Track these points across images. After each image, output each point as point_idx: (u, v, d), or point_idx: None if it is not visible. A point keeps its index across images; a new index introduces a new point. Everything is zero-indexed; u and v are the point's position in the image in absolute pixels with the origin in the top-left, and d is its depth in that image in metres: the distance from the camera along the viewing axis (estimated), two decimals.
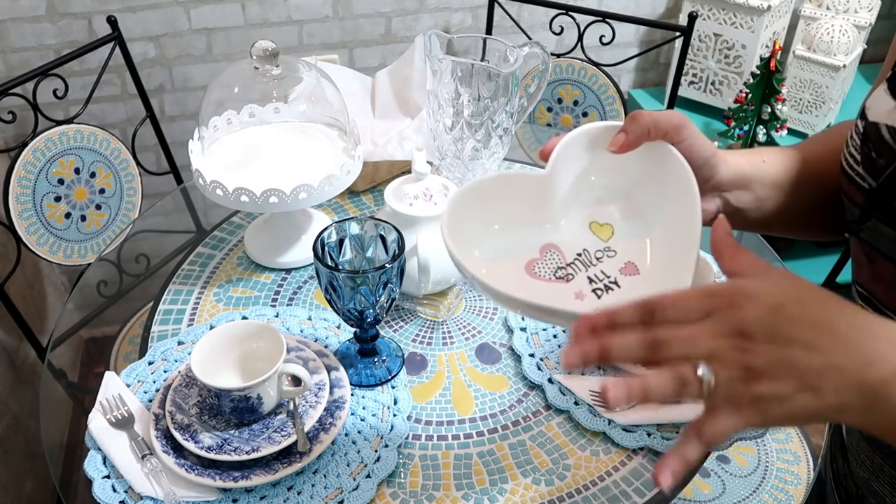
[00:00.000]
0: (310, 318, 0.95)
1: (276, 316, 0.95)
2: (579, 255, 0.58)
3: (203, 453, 0.74)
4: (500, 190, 0.58)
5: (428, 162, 0.93)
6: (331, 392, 0.81)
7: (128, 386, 0.85)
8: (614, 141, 0.57)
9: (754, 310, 0.41)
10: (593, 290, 0.56)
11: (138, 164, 1.52)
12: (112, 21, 1.45)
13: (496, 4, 1.68)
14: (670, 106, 1.62)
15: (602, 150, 0.58)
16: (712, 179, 0.60)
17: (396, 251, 0.77)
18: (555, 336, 0.92)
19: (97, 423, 0.80)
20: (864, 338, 0.40)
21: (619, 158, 0.57)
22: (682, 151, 0.56)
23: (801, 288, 0.42)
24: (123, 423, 0.80)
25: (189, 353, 0.83)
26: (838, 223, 0.65)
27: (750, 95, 1.64)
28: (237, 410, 0.76)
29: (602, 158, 0.59)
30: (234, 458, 0.74)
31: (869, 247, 0.55)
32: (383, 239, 0.80)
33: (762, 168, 0.63)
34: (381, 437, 0.80)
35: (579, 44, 1.61)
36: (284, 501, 0.74)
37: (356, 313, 0.79)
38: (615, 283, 0.56)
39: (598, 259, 0.58)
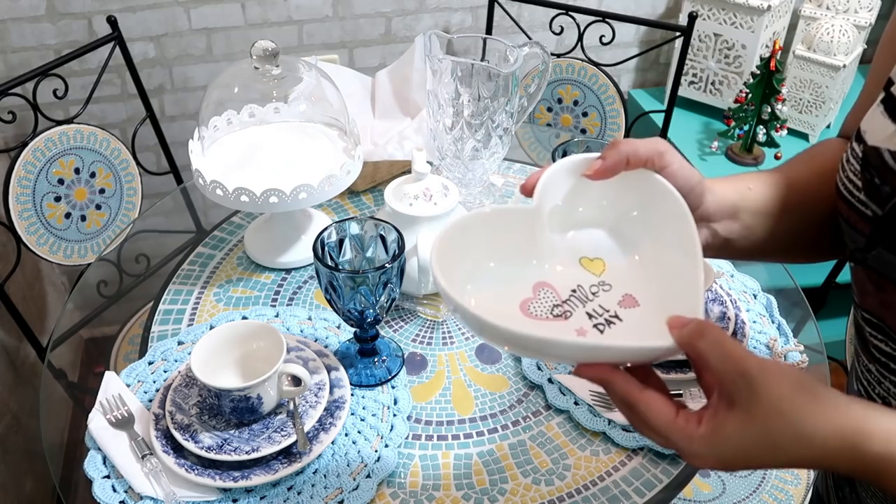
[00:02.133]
0: (310, 318, 0.95)
1: (276, 316, 0.95)
2: (574, 291, 0.56)
3: (203, 453, 0.74)
4: (488, 226, 0.56)
5: (428, 162, 0.93)
6: (331, 392, 0.81)
7: (128, 386, 0.85)
8: (591, 166, 0.56)
9: (702, 464, 0.48)
10: (595, 326, 0.54)
11: (138, 164, 1.52)
12: (112, 21, 1.45)
13: (496, 4, 1.68)
14: (670, 106, 1.62)
15: (587, 182, 0.57)
16: (699, 209, 0.59)
17: (396, 251, 0.77)
18: None
19: (97, 423, 0.80)
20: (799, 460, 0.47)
21: (604, 190, 0.57)
22: (666, 178, 0.56)
23: (747, 447, 0.46)
24: (123, 423, 0.80)
25: (189, 353, 0.83)
26: (826, 246, 0.65)
27: (750, 95, 1.63)
28: (237, 410, 0.76)
29: (587, 191, 0.58)
30: (234, 458, 0.74)
31: (877, 274, 0.54)
32: (383, 239, 0.80)
33: (749, 195, 0.62)
34: (381, 437, 0.80)
35: (579, 44, 1.61)
36: (284, 501, 0.74)
37: (356, 313, 0.79)
38: (616, 316, 0.54)
39: (594, 294, 0.56)
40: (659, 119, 1.71)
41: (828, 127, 1.84)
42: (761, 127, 1.66)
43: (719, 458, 0.46)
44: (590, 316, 0.55)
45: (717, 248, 0.62)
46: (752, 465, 0.47)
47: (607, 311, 0.55)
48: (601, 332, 0.54)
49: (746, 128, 1.69)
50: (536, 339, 0.48)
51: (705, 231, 0.61)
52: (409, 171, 0.92)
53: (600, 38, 1.58)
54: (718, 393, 0.47)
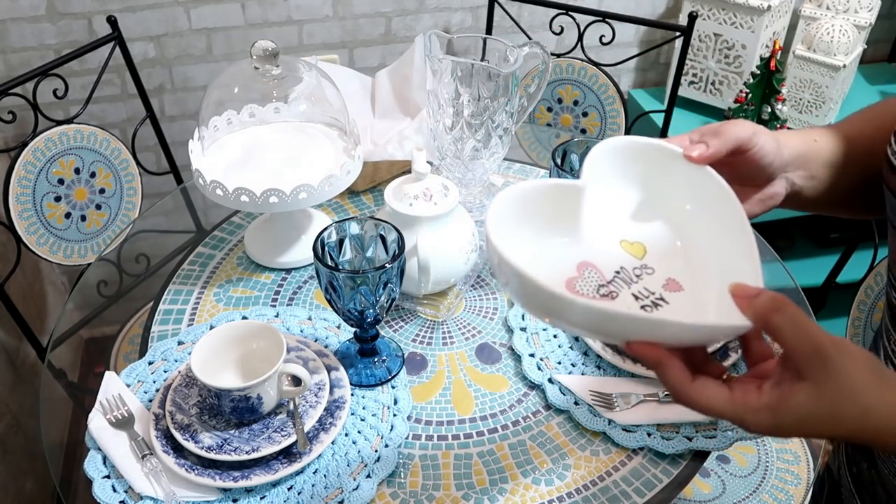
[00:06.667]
0: (310, 318, 0.95)
1: (276, 316, 0.95)
2: (617, 272, 0.56)
3: (203, 453, 0.74)
4: (538, 199, 0.57)
5: (428, 162, 0.93)
6: (331, 392, 0.81)
7: (128, 386, 0.85)
8: (691, 149, 0.57)
9: (757, 429, 0.50)
10: (642, 307, 0.54)
11: (138, 164, 1.52)
12: (112, 21, 1.45)
13: (496, 4, 1.68)
14: (670, 106, 1.62)
15: (633, 165, 0.58)
16: (777, 161, 0.62)
17: (396, 251, 0.77)
18: (555, 336, 0.92)
19: (97, 423, 0.80)
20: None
21: (650, 175, 0.58)
22: (752, 158, 0.60)
23: (811, 419, 0.48)
24: (123, 423, 0.80)
25: (189, 353, 0.83)
26: (879, 202, 0.67)
27: (750, 95, 1.63)
28: (237, 410, 0.76)
29: (632, 174, 0.59)
30: (234, 458, 0.74)
31: None
32: (383, 239, 0.80)
33: (815, 147, 0.65)
34: (381, 437, 0.80)
35: (579, 44, 1.61)
36: (284, 501, 0.74)
37: (356, 313, 0.79)
38: (662, 299, 0.55)
39: (637, 276, 0.56)
40: (659, 119, 1.71)
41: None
42: None
43: (778, 425, 0.48)
44: (636, 297, 0.55)
45: (790, 198, 0.66)
46: (808, 433, 0.49)
47: (653, 293, 0.55)
48: (649, 313, 0.54)
49: None
50: (606, 313, 0.48)
51: (783, 182, 0.64)
52: (409, 171, 0.92)
53: (600, 38, 1.59)
54: (783, 365, 0.49)
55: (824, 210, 0.70)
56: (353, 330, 0.85)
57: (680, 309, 0.54)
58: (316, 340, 0.91)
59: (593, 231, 0.58)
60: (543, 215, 0.57)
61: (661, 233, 0.59)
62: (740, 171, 0.61)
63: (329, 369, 0.84)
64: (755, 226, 0.56)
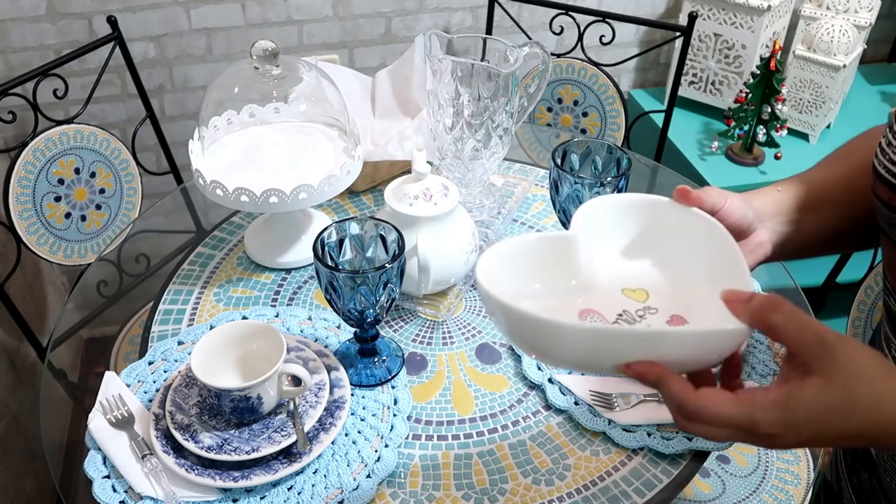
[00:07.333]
0: (310, 318, 0.95)
1: (276, 316, 0.95)
2: (620, 314, 0.57)
3: (203, 453, 0.74)
4: (529, 252, 0.57)
5: (428, 162, 0.93)
6: (331, 392, 0.81)
7: (128, 386, 0.85)
8: (687, 194, 0.60)
9: (769, 435, 0.49)
10: None
11: (138, 164, 1.52)
12: (112, 21, 1.45)
13: (496, 4, 1.68)
14: (670, 106, 1.62)
15: (627, 215, 0.60)
16: (750, 213, 0.64)
17: (396, 251, 0.77)
18: None
19: (97, 423, 0.80)
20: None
21: (641, 224, 0.60)
22: (725, 212, 0.61)
23: (823, 411, 0.47)
24: (123, 423, 0.80)
25: (189, 353, 0.83)
26: (864, 238, 0.68)
27: (750, 95, 1.63)
28: (237, 410, 0.76)
29: (624, 224, 0.60)
30: (234, 458, 0.74)
31: None
32: (383, 239, 0.80)
33: (780, 196, 0.67)
34: (381, 437, 0.80)
35: (579, 44, 1.61)
36: (284, 501, 0.74)
37: (356, 313, 0.79)
38: None
39: (640, 317, 0.57)
40: (659, 119, 1.71)
41: (828, 127, 1.84)
42: (761, 127, 1.66)
43: (789, 422, 0.47)
44: None
45: (781, 247, 0.66)
46: (821, 429, 0.47)
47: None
48: (648, 328, 0.54)
49: (746, 128, 1.69)
50: (608, 331, 0.48)
51: (765, 230, 0.66)
52: (409, 171, 0.92)
53: (600, 38, 1.59)
54: (790, 363, 0.48)
55: (820, 251, 0.70)
56: (353, 330, 0.85)
57: None
58: (316, 340, 0.91)
59: (594, 282, 0.59)
60: (536, 269, 0.57)
61: (660, 276, 0.60)
62: None
63: (329, 369, 0.84)
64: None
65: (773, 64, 1.57)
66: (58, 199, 1.38)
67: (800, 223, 0.66)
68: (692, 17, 1.50)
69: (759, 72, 1.61)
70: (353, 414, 0.82)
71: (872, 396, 0.46)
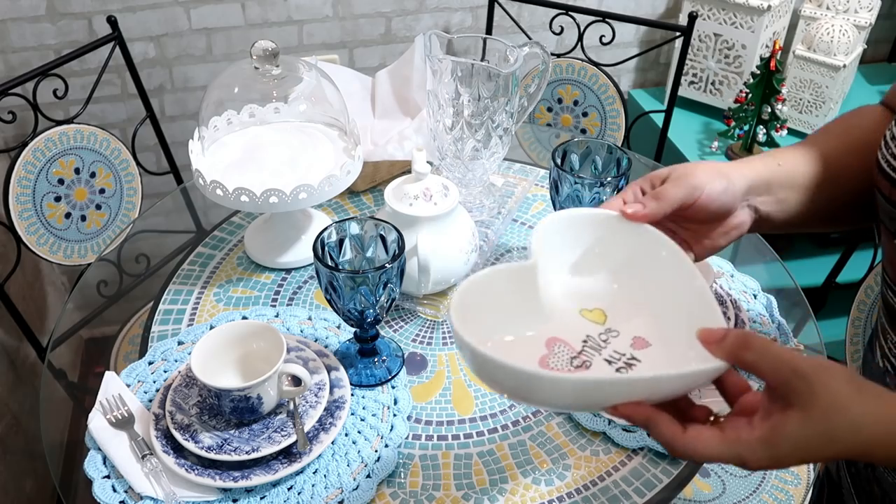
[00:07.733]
0: (310, 318, 0.95)
1: (276, 316, 0.95)
2: (585, 341, 0.57)
3: (203, 453, 0.74)
4: (495, 287, 0.57)
5: (428, 162, 0.93)
6: (331, 392, 0.81)
7: (128, 386, 0.85)
8: (631, 208, 0.59)
9: (756, 466, 0.49)
10: (616, 370, 0.55)
11: (138, 164, 1.52)
12: (112, 21, 1.45)
13: (496, 4, 1.68)
14: (670, 106, 1.62)
15: (579, 233, 0.60)
16: (730, 198, 0.62)
17: (396, 251, 0.77)
18: None
19: (97, 423, 0.80)
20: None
21: (596, 239, 0.60)
22: (702, 202, 0.61)
23: (806, 443, 0.48)
24: (123, 423, 0.80)
25: (189, 353, 0.83)
26: (860, 214, 0.67)
27: (750, 95, 1.63)
28: (237, 410, 0.76)
29: (578, 243, 0.61)
30: (234, 458, 0.74)
31: None
32: (383, 239, 0.80)
33: (779, 172, 0.65)
34: (381, 437, 0.80)
35: (579, 44, 1.61)
36: (284, 501, 0.74)
37: (356, 313, 0.79)
38: (634, 358, 0.56)
39: (604, 342, 0.57)
40: (659, 119, 1.71)
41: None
42: (761, 127, 1.66)
43: (775, 457, 0.48)
44: (609, 362, 0.56)
45: (758, 223, 0.66)
46: (805, 459, 0.49)
47: (623, 354, 0.56)
48: (629, 374, 0.54)
49: (746, 128, 1.69)
50: (594, 381, 0.49)
51: (747, 210, 0.64)
52: (409, 171, 0.92)
53: (600, 38, 1.59)
54: (769, 396, 0.49)
55: (806, 228, 0.69)
56: (353, 330, 0.85)
57: (654, 363, 0.55)
58: (316, 340, 0.91)
59: (554, 306, 0.59)
60: (505, 300, 0.58)
61: (616, 294, 0.60)
62: (696, 215, 0.63)
63: (329, 369, 0.84)
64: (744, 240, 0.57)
65: (773, 64, 1.57)
66: (58, 199, 1.38)
67: (791, 202, 0.66)
68: (692, 17, 1.50)
69: (759, 72, 1.61)
70: (353, 414, 0.82)
71: (850, 423, 0.47)
